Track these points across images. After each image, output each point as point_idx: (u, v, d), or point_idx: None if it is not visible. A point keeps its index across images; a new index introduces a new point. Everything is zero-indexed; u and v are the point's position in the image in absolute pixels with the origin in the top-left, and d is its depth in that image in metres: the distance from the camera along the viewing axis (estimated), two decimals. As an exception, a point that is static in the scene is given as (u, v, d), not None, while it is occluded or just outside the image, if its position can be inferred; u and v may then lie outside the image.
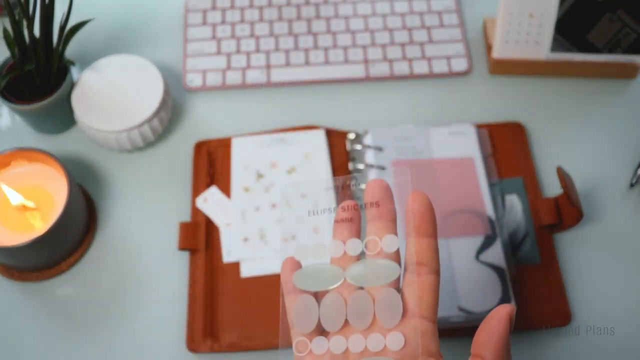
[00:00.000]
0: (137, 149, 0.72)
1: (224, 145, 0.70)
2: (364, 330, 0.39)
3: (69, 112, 0.70)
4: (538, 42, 0.74)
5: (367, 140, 0.69)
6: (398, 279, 0.40)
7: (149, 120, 0.69)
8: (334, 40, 0.79)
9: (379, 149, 0.67)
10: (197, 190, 0.68)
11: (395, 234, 0.41)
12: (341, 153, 0.70)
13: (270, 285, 0.63)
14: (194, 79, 0.77)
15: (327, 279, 0.40)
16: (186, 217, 0.68)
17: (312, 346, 0.40)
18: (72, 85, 0.70)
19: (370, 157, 0.68)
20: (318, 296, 0.40)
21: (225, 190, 0.68)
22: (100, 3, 0.83)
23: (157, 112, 0.69)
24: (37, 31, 0.66)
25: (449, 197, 0.65)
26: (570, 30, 0.72)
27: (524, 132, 0.72)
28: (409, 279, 0.41)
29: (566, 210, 0.65)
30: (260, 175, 0.68)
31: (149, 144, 0.72)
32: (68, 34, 0.68)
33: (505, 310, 0.40)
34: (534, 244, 0.65)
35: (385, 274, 0.40)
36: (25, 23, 0.64)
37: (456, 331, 0.61)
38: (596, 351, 0.62)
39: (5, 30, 0.66)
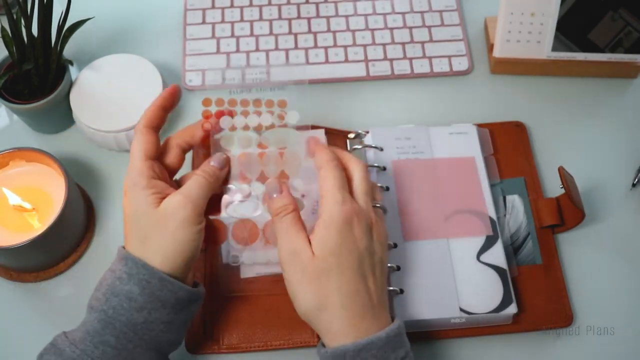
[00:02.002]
0: (136, 149, 0.71)
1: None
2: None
3: (68, 111, 0.70)
4: (539, 42, 0.73)
5: (368, 139, 0.69)
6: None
7: (147, 120, 0.68)
8: (334, 39, 0.79)
9: (379, 148, 0.67)
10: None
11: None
12: (341, 153, 0.69)
13: (270, 285, 0.62)
14: (193, 78, 0.76)
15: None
16: (185, 217, 0.67)
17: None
18: (71, 85, 0.70)
19: (370, 156, 0.67)
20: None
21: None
22: (98, 2, 0.83)
23: (156, 112, 0.69)
24: (35, 30, 0.65)
25: (450, 197, 0.65)
26: (572, 30, 0.72)
27: (525, 131, 0.72)
28: None
29: (568, 211, 0.65)
30: None
31: (148, 144, 0.71)
32: (66, 33, 0.68)
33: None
34: (535, 245, 0.65)
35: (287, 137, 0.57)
36: (23, 22, 0.64)
37: (457, 332, 0.61)
38: (597, 351, 0.61)
39: (3, 30, 0.65)
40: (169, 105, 0.59)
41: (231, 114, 0.58)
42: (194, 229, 0.52)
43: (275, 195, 0.55)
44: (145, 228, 0.52)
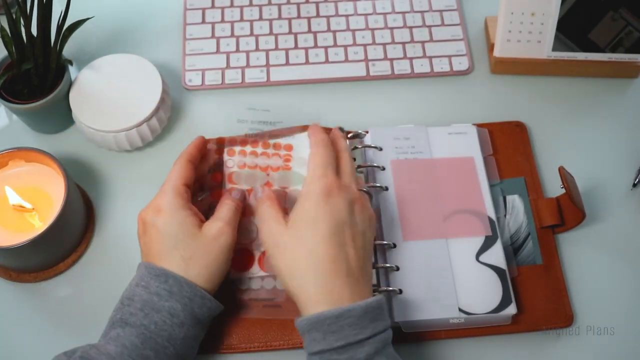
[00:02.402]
0: (136, 149, 0.71)
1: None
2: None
3: (67, 111, 0.70)
4: (540, 41, 0.73)
5: (367, 139, 0.69)
6: None
7: (147, 120, 0.68)
8: (334, 39, 0.78)
9: (378, 148, 0.67)
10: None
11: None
12: (341, 153, 0.69)
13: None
14: (193, 78, 0.76)
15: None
16: (185, 217, 0.67)
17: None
18: (70, 85, 0.70)
19: (370, 156, 0.67)
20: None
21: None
22: (98, 2, 0.82)
23: (156, 112, 0.69)
24: (34, 30, 0.65)
25: (449, 198, 0.65)
26: (572, 29, 0.72)
27: (525, 131, 0.72)
28: None
29: (568, 211, 0.65)
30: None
31: (147, 144, 0.71)
32: (66, 32, 0.68)
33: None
34: (535, 245, 0.65)
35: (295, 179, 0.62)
36: (22, 22, 0.64)
37: (456, 332, 0.61)
38: (597, 351, 0.61)
39: (2, 29, 0.65)
40: (203, 150, 0.64)
41: (243, 153, 0.64)
42: (230, 255, 0.57)
43: (259, 195, 0.60)
44: (190, 248, 0.55)
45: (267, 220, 0.56)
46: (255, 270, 0.61)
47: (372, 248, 0.57)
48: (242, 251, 0.61)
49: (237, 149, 0.64)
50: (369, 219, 0.57)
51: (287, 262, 0.53)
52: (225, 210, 0.58)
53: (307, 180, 0.57)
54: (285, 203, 0.62)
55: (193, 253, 0.55)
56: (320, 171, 0.56)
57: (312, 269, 0.52)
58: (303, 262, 0.52)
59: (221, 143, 0.65)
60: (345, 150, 0.61)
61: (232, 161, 0.64)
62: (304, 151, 0.62)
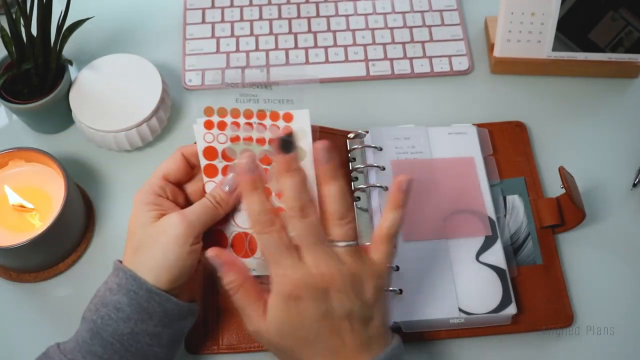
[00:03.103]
0: (135, 149, 0.71)
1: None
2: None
3: (67, 111, 0.70)
4: (540, 41, 0.73)
5: (367, 139, 0.69)
6: None
7: (147, 120, 0.68)
8: (334, 39, 0.78)
9: (378, 148, 0.67)
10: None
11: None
12: (341, 152, 0.69)
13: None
14: (193, 78, 0.76)
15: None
16: (185, 217, 0.67)
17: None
18: (70, 85, 0.70)
19: (370, 156, 0.67)
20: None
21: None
22: (98, 2, 0.82)
23: (156, 112, 0.69)
24: (34, 30, 0.65)
25: (449, 198, 0.65)
26: (572, 29, 0.72)
27: (525, 131, 0.72)
28: None
29: (568, 211, 0.65)
30: None
31: (147, 144, 0.71)
32: (66, 32, 0.68)
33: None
34: (535, 245, 0.65)
35: None
36: (22, 22, 0.64)
37: (456, 332, 0.61)
38: (597, 351, 0.61)
39: (2, 29, 0.65)
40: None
41: (236, 125, 0.57)
42: (184, 249, 0.52)
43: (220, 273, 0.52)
44: (139, 240, 0.53)
45: (249, 320, 0.51)
46: (259, 255, 0.56)
47: (374, 316, 0.50)
48: (243, 236, 0.57)
49: (229, 120, 0.57)
50: (370, 291, 0.50)
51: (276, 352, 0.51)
52: (194, 204, 0.54)
53: (273, 270, 0.50)
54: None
55: (141, 244, 0.52)
56: (287, 262, 0.49)
57: None
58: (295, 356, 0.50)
59: (209, 114, 0.57)
60: (330, 180, 0.52)
61: (224, 135, 0.57)
62: (304, 121, 0.57)
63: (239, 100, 0.58)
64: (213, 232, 0.57)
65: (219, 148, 0.57)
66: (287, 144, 0.50)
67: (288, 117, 0.57)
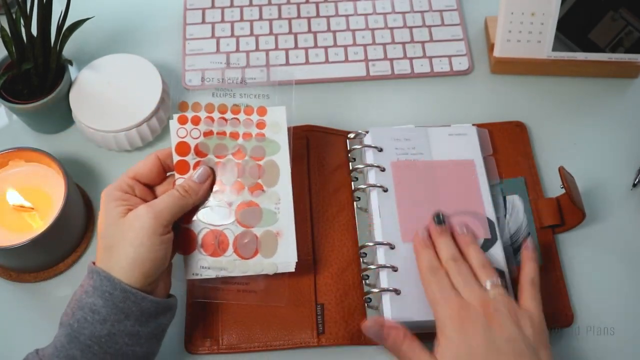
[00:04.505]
0: (135, 149, 0.71)
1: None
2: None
3: (67, 111, 0.70)
4: (540, 41, 0.73)
5: (367, 140, 0.69)
6: None
7: (147, 120, 0.68)
8: (334, 39, 0.78)
9: (378, 149, 0.67)
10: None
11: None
12: (341, 153, 0.69)
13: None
14: (192, 78, 0.76)
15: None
16: (185, 217, 0.67)
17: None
18: (70, 85, 0.70)
19: (370, 157, 0.67)
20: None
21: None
22: (98, 2, 0.82)
23: (156, 112, 0.69)
24: (34, 30, 0.65)
25: (449, 199, 0.64)
26: (572, 29, 0.72)
27: (525, 131, 0.72)
28: None
29: (568, 211, 0.65)
30: None
31: (147, 144, 0.71)
32: (66, 32, 0.68)
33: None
34: (535, 245, 0.65)
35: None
36: (22, 22, 0.64)
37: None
38: (597, 351, 0.61)
39: (2, 29, 0.65)
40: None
41: (210, 120, 0.58)
42: (154, 240, 0.52)
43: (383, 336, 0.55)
44: (110, 238, 0.52)
45: (412, 357, 0.53)
46: (230, 253, 0.57)
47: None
48: (214, 233, 0.57)
49: (203, 115, 0.58)
50: (533, 330, 0.53)
51: None
52: (162, 196, 0.54)
53: (433, 303, 0.55)
54: (262, 176, 0.58)
55: (112, 242, 0.52)
56: (442, 296, 0.55)
57: None
58: None
59: (184, 109, 0.58)
60: (470, 244, 0.59)
61: (198, 130, 0.57)
62: (279, 115, 0.58)
63: (215, 94, 0.59)
64: (182, 231, 0.57)
65: (192, 143, 0.58)
66: (439, 218, 0.60)
67: (262, 112, 0.58)
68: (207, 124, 0.58)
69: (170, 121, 0.58)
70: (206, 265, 0.57)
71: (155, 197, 0.57)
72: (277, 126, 0.58)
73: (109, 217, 0.53)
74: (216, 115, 0.58)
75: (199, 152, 0.58)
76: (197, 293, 0.62)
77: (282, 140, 0.57)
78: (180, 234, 0.57)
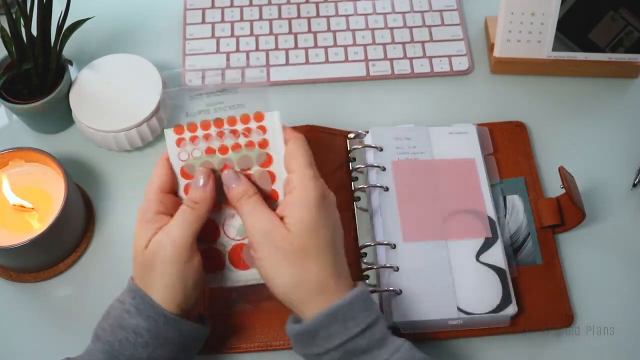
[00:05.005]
0: (136, 149, 0.71)
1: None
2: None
3: (67, 111, 0.70)
4: (540, 41, 0.73)
5: (367, 139, 0.69)
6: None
7: (147, 120, 0.68)
8: (334, 39, 0.78)
9: (379, 148, 0.67)
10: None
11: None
12: (341, 153, 0.69)
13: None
14: (192, 78, 0.76)
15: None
16: (185, 217, 0.67)
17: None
18: (70, 85, 0.70)
19: (370, 157, 0.67)
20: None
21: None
22: (98, 2, 0.82)
23: (156, 112, 0.69)
24: (34, 30, 0.65)
25: (449, 198, 0.65)
26: (572, 29, 0.72)
27: (525, 131, 0.72)
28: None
29: (568, 211, 0.65)
30: None
31: (147, 144, 0.71)
32: (66, 32, 0.68)
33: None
34: (535, 245, 0.65)
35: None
36: (22, 22, 0.64)
37: (456, 332, 0.61)
38: (597, 351, 0.61)
39: (2, 29, 0.65)
40: None
41: (193, 140, 0.56)
42: (180, 267, 0.52)
43: (234, 185, 0.54)
44: (142, 265, 0.53)
45: (261, 222, 0.52)
46: (233, 271, 0.57)
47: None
48: (211, 250, 0.57)
49: (187, 136, 0.55)
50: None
51: (290, 271, 0.51)
52: (175, 217, 0.53)
53: (297, 183, 0.53)
54: (275, 182, 0.57)
55: (144, 268, 0.52)
56: (310, 173, 0.54)
57: (315, 277, 0.51)
58: (308, 272, 0.51)
59: (180, 132, 0.55)
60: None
61: (185, 153, 0.55)
62: (276, 122, 0.56)
63: (207, 110, 0.58)
64: (210, 249, 0.57)
65: (196, 164, 0.56)
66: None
67: (259, 117, 0.56)
68: (207, 142, 0.56)
69: (169, 147, 0.56)
70: (237, 279, 0.57)
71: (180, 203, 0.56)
72: (274, 131, 0.56)
73: (138, 242, 0.53)
74: (213, 130, 0.56)
75: (186, 176, 0.56)
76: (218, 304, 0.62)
77: (279, 146, 0.56)
78: (208, 252, 0.57)
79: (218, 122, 0.56)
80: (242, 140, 0.56)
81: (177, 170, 0.56)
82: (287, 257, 0.51)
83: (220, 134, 0.56)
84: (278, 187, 0.56)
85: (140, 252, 0.52)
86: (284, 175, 0.56)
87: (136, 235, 0.53)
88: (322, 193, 0.53)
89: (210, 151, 0.55)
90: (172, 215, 0.54)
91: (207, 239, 0.57)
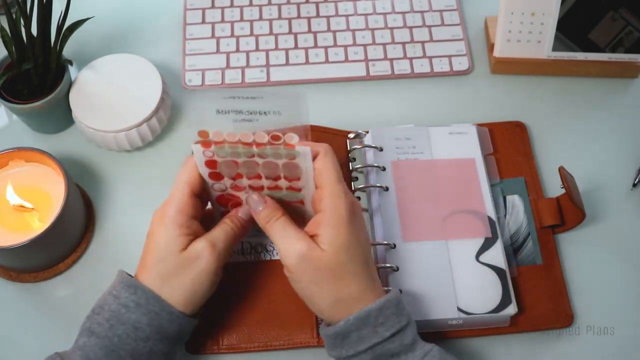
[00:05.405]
0: (136, 149, 0.71)
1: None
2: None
3: (67, 111, 0.70)
4: (540, 41, 0.73)
5: (367, 139, 0.69)
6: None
7: (147, 120, 0.68)
8: (334, 39, 0.78)
9: (378, 148, 0.67)
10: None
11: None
12: (341, 153, 0.69)
13: (269, 286, 0.62)
14: (192, 78, 0.76)
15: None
16: (185, 217, 0.67)
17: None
18: (70, 85, 0.70)
19: (370, 157, 0.67)
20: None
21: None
22: (98, 2, 0.82)
23: (156, 112, 0.69)
24: (34, 30, 0.65)
25: (449, 198, 0.65)
26: (572, 29, 0.72)
27: (525, 131, 0.72)
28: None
29: (568, 211, 0.65)
30: None
31: (147, 144, 0.71)
32: (66, 32, 0.68)
33: None
34: (535, 245, 0.65)
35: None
36: (22, 22, 0.64)
37: (456, 332, 0.61)
38: (597, 351, 0.61)
39: (2, 29, 0.65)
40: None
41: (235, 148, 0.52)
42: (214, 279, 0.54)
43: (260, 208, 0.55)
44: (169, 268, 0.53)
45: (294, 244, 0.52)
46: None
47: None
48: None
49: (227, 146, 0.52)
50: None
51: (329, 290, 0.52)
52: (218, 230, 0.54)
53: (328, 200, 0.52)
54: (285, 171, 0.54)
55: (170, 273, 0.53)
56: (341, 188, 0.53)
57: (354, 294, 0.52)
58: (346, 289, 0.52)
59: (205, 136, 0.51)
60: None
61: (210, 152, 0.52)
62: (307, 157, 0.53)
63: (235, 125, 0.52)
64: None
65: (225, 152, 0.53)
66: None
67: (276, 138, 0.51)
68: (233, 155, 0.53)
69: (195, 151, 0.53)
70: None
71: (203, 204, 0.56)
72: (304, 155, 0.52)
73: (171, 244, 0.53)
74: (240, 150, 0.52)
75: (215, 178, 0.55)
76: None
77: (308, 168, 0.53)
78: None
79: (245, 138, 0.51)
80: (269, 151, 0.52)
81: (203, 167, 0.54)
82: (325, 277, 0.52)
83: (248, 145, 0.52)
84: (305, 195, 0.56)
85: (173, 253, 0.52)
86: (311, 183, 0.54)
87: (167, 235, 0.53)
88: (352, 209, 0.53)
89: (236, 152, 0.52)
90: (198, 220, 0.55)
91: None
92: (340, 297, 0.52)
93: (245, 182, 0.55)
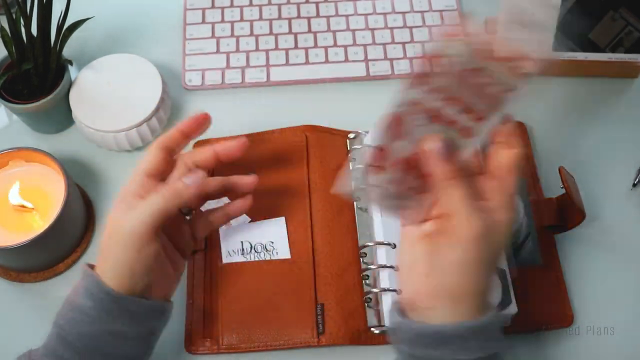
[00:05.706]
0: (136, 149, 0.71)
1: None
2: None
3: (67, 111, 0.70)
4: (540, 41, 0.73)
5: (367, 139, 0.68)
6: None
7: (147, 120, 0.68)
8: (334, 39, 0.78)
9: (379, 149, 0.67)
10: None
11: None
12: (341, 153, 0.69)
13: (269, 286, 0.62)
14: (192, 78, 0.76)
15: None
16: (185, 217, 0.67)
17: None
18: (70, 85, 0.70)
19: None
20: None
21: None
22: (98, 2, 0.82)
23: (156, 112, 0.69)
24: (34, 30, 0.65)
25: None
26: (572, 29, 0.72)
27: (525, 131, 0.72)
28: None
29: (568, 211, 0.64)
30: None
31: (147, 144, 0.71)
32: (66, 32, 0.68)
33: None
34: (535, 245, 0.65)
35: None
36: (22, 22, 0.64)
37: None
38: (597, 351, 0.61)
39: (2, 29, 0.65)
40: (190, 131, 0.58)
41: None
42: (144, 248, 0.51)
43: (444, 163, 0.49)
44: (103, 240, 0.53)
45: (476, 219, 0.46)
46: None
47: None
48: None
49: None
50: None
51: (478, 273, 0.47)
52: (149, 199, 0.52)
53: (499, 195, 0.48)
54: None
55: (103, 244, 0.52)
56: (513, 191, 0.48)
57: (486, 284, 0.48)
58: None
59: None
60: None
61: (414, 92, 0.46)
62: None
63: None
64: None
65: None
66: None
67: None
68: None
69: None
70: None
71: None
72: None
73: (113, 222, 0.53)
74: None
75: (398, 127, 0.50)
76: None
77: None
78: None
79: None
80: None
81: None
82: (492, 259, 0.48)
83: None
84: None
85: (109, 226, 0.53)
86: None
87: (113, 214, 0.53)
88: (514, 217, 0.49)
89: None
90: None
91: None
92: (479, 289, 0.47)
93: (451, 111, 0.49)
